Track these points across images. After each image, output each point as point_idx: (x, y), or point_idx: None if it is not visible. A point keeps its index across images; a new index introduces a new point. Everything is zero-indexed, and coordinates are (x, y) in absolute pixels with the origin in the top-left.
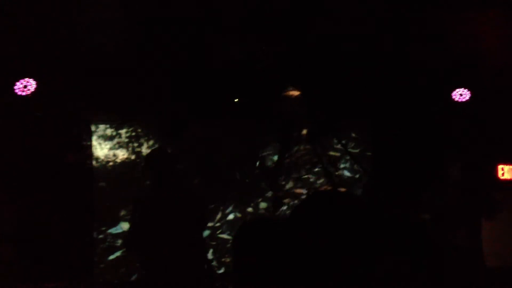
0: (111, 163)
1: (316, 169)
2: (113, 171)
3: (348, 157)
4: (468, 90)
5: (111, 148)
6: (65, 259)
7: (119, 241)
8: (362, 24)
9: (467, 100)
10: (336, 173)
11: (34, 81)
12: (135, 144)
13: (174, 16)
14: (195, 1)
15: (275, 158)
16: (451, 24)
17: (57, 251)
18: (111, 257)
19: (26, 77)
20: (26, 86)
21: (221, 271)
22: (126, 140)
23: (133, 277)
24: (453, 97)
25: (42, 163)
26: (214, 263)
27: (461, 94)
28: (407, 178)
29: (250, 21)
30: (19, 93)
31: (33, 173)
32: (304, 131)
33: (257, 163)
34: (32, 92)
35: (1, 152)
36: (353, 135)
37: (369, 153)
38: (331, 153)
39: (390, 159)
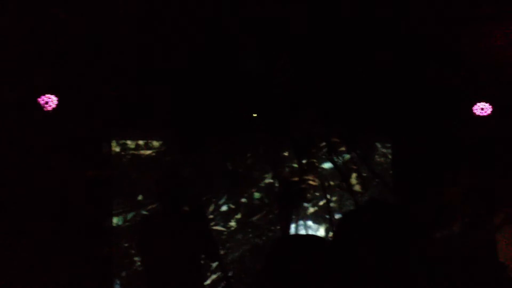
0: None
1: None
2: None
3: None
4: (490, 104)
5: None
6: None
7: None
8: (380, 39)
9: (488, 115)
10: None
11: (55, 97)
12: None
13: (192, 33)
14: (214, 18)
15: None
16: (471, 38)
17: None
18: None
19: (48, 93)
20: (47, 102)
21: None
22: None
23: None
24: (474, 111)
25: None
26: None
27: (482, 108)
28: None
29: (268, 35)
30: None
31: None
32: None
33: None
34: (54, 108)
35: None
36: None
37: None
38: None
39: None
